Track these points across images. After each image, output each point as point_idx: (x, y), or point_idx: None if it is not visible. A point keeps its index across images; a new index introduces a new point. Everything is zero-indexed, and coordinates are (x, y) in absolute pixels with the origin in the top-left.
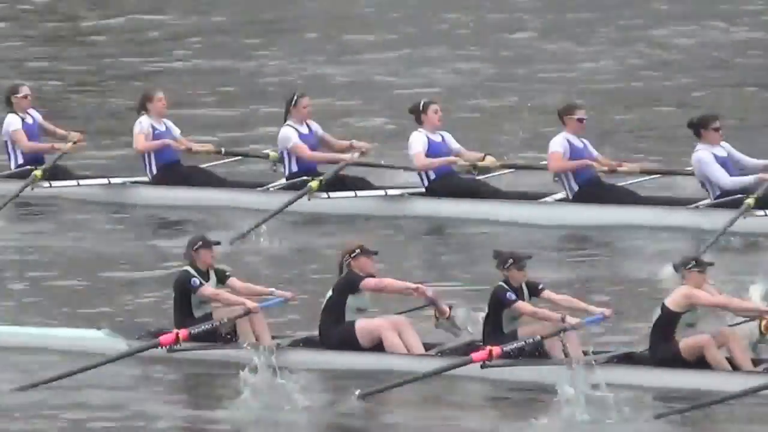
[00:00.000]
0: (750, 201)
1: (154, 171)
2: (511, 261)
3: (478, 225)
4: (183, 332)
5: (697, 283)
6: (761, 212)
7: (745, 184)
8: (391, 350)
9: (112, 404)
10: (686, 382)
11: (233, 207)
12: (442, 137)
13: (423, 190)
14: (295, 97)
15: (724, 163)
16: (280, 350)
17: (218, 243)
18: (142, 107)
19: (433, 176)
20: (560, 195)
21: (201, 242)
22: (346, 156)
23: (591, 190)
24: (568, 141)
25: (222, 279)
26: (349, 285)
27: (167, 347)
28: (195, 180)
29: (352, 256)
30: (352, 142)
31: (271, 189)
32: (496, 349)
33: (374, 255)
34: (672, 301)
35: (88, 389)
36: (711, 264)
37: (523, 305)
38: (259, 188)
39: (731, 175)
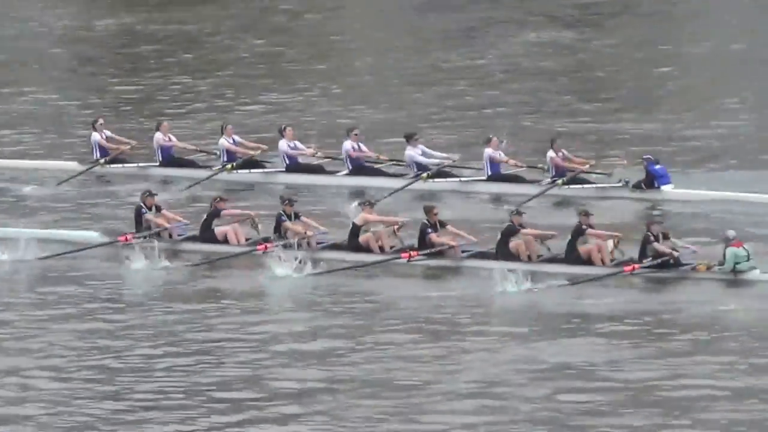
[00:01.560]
0: (424, 175)
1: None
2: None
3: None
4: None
5: (369, 212)
6: (431, 180)
7: (426, 164)
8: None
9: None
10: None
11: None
12: None
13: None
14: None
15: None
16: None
17: (155, 194)
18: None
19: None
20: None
21: (147, 192)
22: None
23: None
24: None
25: (159, 210)
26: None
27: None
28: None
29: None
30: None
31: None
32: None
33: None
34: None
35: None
36: (373, 203)
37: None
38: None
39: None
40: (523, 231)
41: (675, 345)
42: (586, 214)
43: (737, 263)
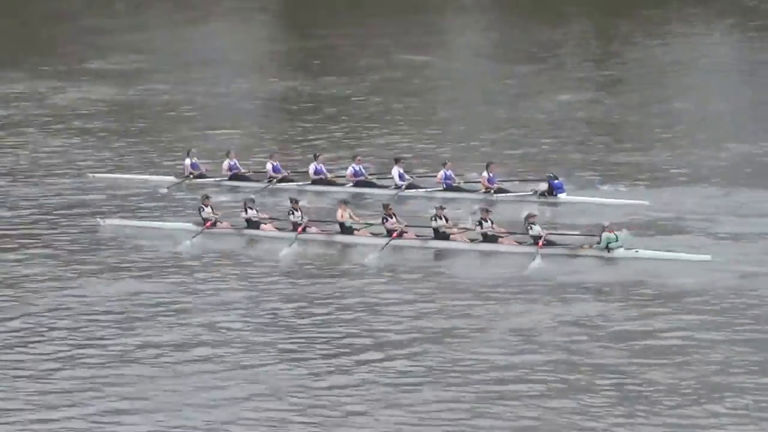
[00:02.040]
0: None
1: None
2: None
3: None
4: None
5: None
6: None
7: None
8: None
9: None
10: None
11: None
12: None
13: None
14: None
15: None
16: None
17: (210, 197)
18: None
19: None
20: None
21: (205, 195)
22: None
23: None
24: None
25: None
26: None
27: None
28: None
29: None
30: None
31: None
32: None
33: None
34: None
35: None
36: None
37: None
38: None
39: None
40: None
41: (564, 296)
42: (487, 211)
43: (609, 243)
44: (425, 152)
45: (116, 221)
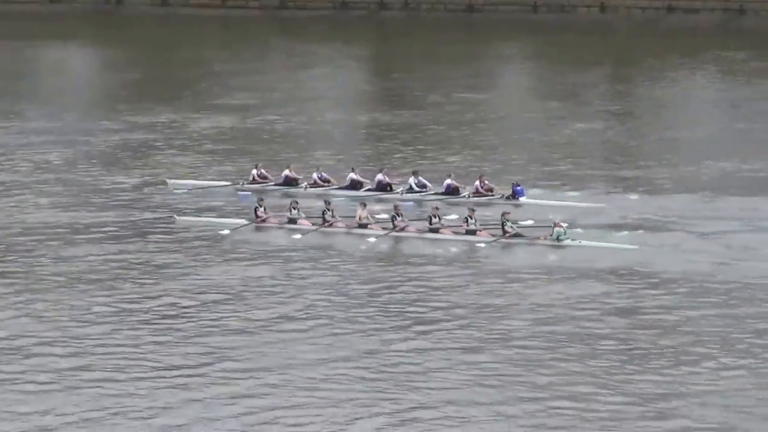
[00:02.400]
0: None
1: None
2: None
3: None
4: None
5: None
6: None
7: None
8: None
9: None
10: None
11: None
12: None
13: None
14: None
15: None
16: None
17: (263, 199)
18: None
19: None
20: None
21: (260, 198)
22: None
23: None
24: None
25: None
26: None
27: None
28: None
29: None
30: None
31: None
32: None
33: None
34: None
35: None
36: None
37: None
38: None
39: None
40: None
41: (524, 277)
42: (472, 210)
43: (559, 236)
44: (470, 167)
45: (187, 218)
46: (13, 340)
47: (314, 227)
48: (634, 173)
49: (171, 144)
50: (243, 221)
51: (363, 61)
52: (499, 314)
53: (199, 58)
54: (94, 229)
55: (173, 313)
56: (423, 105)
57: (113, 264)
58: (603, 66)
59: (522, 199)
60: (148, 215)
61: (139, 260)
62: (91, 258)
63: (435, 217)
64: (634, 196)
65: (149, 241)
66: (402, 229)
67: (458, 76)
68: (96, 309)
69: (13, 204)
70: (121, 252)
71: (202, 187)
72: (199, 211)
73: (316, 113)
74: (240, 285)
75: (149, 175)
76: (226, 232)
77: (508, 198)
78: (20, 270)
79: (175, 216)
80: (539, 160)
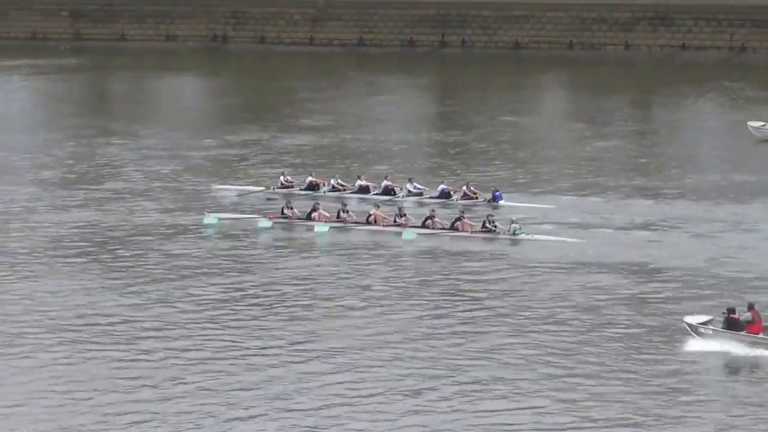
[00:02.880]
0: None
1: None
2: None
3: None
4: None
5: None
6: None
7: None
8: None
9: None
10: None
11: None
12: None
13: None
14: None
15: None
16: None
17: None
18: None
19: None
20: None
21: (288, 201)
22: None
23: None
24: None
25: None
26: None
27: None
28: None
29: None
30: None
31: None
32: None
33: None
34: None
35: None
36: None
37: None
38: None
39: None
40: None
41: (479, 265)
42: (463, 212)
43: (515, 231)
44: (500, 176)
45: (217, 214)
46: (121, 324)
47: (330, 222)
48: (614, 182)
49: (258, 158)
50: (263, 218)
51: (423, 90)
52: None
53: (287, 87)
54: (192, 228)
55: (254, 301)
56: (471, 126)
57: (207, 259)
58: (625, 94)
59: (501, 202)
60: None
61: (227, 255)
62: (192, 252)
63: (432, 217)
64: (596, 199)
65: (236, 240)
66: (400, 226)
67: (503, 102)
68: (195, 297)
69: (124, 208)
70: (210, 249)
71: (242, 193)
72: (231, 210)
73: (381, 133)
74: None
75: (244, 183)
76: (259, 224)
77: (489, 201)
78: (128, 264)
79: (206, 213)
80: (554, 171)
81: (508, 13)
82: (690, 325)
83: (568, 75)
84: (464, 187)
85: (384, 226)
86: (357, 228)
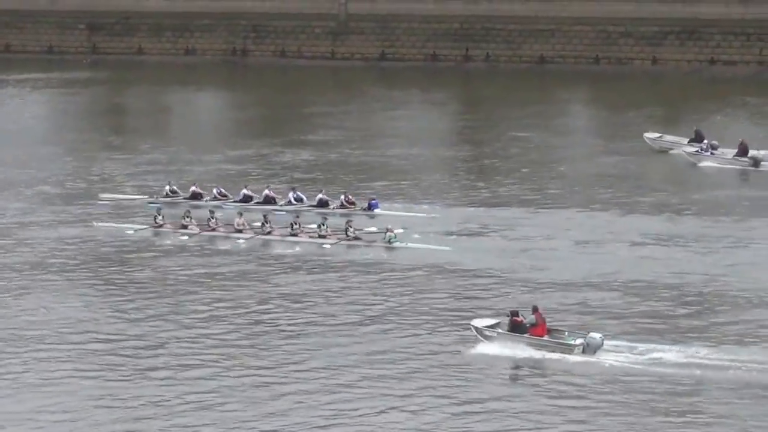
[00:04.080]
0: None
1: None
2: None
3: None
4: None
5: None
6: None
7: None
8: None
9: None
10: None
11: None
12: None
13: None
14: None
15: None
16: None
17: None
18: None
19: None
20: None
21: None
22: None
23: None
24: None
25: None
26: None
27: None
28: None
29: None
30: None
31: None
32: None
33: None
34: None
35: None
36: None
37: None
38: None
39: None
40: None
41: (364, 268)
42: (349, 221)
43: (390, 239)
44: (501, 186)
45: (104, 223)
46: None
47: (200, 232)
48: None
49: (251, 172)
50: (141, 225)
51: (440, 105)
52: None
53: (303, 101)
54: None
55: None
56: (481, 140)
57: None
58: (645, 109)
59: (376, 211)
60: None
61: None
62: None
63: (323, 225)
64: (475, 207)
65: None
66: (268, 233)
67: (521, 116)
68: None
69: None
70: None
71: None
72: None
73: (387, 148)
74: None
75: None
76: (130, 232)
77: (365, 209)
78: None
79: (94, 223)
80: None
81: (532, 27)
82: (477, 329)
83: (593, 90)
84: (342, 197)
85: (256, 234)
86: (223, 235)
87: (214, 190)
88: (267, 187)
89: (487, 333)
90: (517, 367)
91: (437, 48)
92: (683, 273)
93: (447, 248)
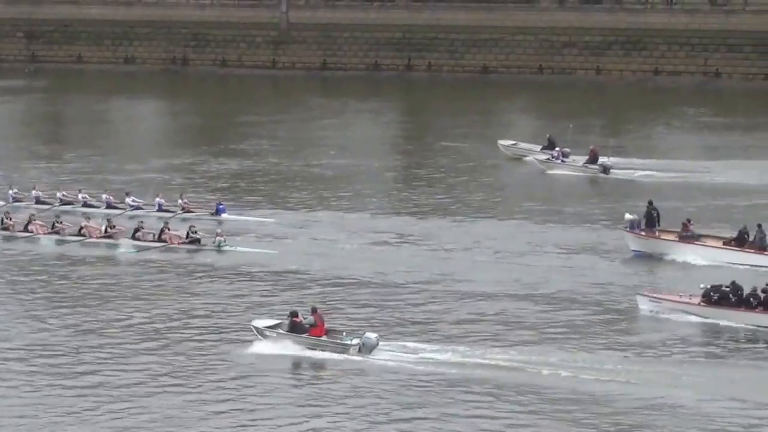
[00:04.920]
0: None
1: None
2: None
3: None
4: None
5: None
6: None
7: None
8: None
9: None
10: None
11: None
12: None
13: None
14: None
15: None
16: None
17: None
18: None
19: None
20: None
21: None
22: None
23: None
24: None
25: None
26: None
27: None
28: None
29: None
30: None
31: None
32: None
33: None
34: None
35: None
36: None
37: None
38: None
39: None
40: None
41: (195, 272)
42: (193, 227)
43: (219, 244)
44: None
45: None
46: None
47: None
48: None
49: (171, 181)
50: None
51: (379, 114)
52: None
53: (239, 110)
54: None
55: None
56: (412, 150)
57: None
58: (582, 118)
59: (224, 216)
60: None
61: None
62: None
63: (167, 229)
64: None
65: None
66: (109, 237)
67: (453, 126)
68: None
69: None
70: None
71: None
72: None
73: (311, 158)
74: None
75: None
76: None
77: (212, 214)
78: None
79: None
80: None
81: (475, 36)
82: (257, 329)
83: (536, 99)
84: (180, 200)
85: (97, 237)
86: (71, 239)
87: (58, 194)
88: (105, 191)
89: (266, 333)
90: (295, 366)
91: (379, 57)
92: (457, 277)
93: (274, 252)
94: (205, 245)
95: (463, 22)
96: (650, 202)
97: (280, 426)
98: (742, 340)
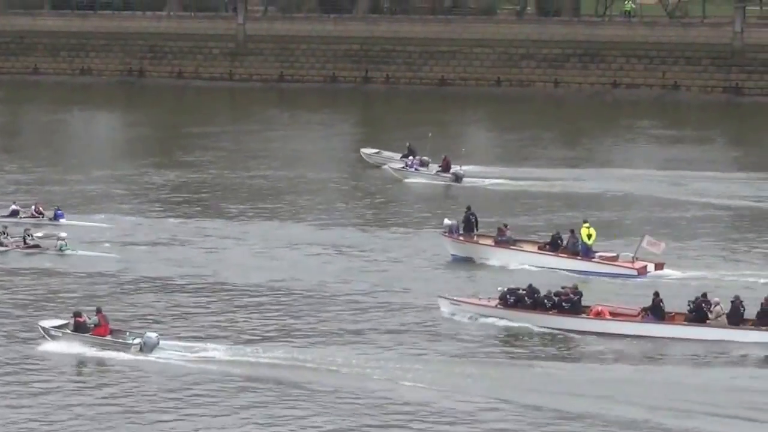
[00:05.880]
0: None
1: None
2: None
3: None
4: None
5: None
6: None
7: None
8: None
9: None
10: None
11: None
12: None
13: None
14: None
15: None
16: None
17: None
18: None
19: None
20: None
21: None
22: None
23: None
24: None
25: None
26: None
27: None
28: None
29: None
30: None
31: None
32: None
33: None
34: None
35: None
36: None
37: None
38: None
39: None
40: None
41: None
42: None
43: (61, 247)
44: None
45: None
46: None
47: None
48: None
49: (120, 195)
50: None
51: (332, 126)
52: None
53: (192, 122)
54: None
55: None
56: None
57: None
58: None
59: (62, 221)
60: None
61: None
62: None
63: (29, 236)
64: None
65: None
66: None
67: (398, 138)
68: None
69: None
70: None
71: None
72: None
73: (252, 169)
74: None
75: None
76: None
77: (51, 220)
78: None
79: None
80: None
81: (433, 48)
82: (43, 329)
83: (492, 111)
84: (33, 207)
85: None
86: None
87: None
88: (14, 202)
89: (52, 333)
90: (79, 365)
91: (336, 69)
92: (255, 277)
93: (115, 255)
94: (47, 249)
95: (421, 35)
96: (468, 208)
97: (53, 423)
98: (537, 342)
